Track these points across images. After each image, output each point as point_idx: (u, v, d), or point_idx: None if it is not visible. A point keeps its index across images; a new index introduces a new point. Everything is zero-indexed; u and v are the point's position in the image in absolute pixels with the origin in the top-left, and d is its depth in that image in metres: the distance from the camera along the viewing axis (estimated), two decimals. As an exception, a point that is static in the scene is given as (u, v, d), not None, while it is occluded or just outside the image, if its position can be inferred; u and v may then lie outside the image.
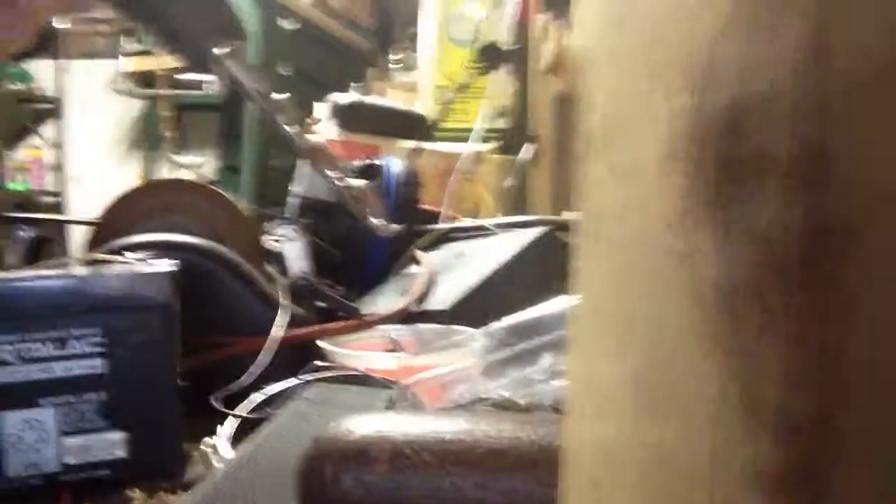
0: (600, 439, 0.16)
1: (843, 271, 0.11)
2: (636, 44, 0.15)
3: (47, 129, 3.82)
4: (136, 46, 3.15)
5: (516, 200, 1.38)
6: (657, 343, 0.14)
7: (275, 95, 0.60)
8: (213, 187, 0.84)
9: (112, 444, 0.52)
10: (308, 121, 1.51)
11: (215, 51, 0.56)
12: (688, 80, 0.13)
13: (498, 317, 0.60)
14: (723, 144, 0.13)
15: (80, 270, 0.57)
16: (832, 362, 0.11)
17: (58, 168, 3.89)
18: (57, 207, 3.83)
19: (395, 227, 0.65)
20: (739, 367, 0.12)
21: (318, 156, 0.62)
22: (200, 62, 0.57)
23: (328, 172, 0.63)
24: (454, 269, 0.86)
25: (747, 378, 0.12)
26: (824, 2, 0.11)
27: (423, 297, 0.79)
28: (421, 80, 1.79)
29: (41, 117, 3.83)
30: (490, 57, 1.38)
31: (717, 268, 0.13)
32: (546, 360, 0.51)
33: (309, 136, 0.63)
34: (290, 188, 0.99)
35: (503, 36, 1.48)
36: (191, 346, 0.59)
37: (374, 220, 0.64)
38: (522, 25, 1.48)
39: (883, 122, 0.10)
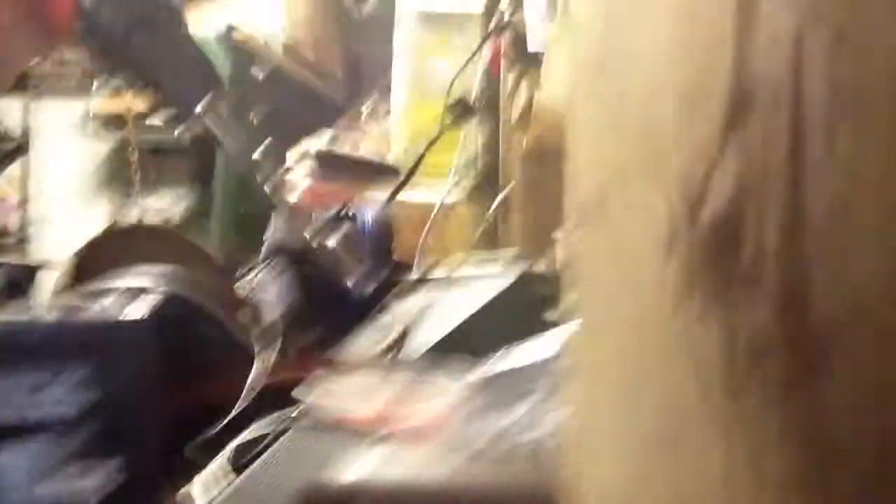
0: (609, 487, 0.18)
1: (820, 381, 0.13)
2: (635, 144, 0.16)
3: (13, 170, 3.77)
4: (107, 87, 3.14)
5: (487, 251, 1.40)
6: (667, 414, 0.15)
7: (255, 155, 0.60)
8: (181, 234, 0.84)
9: (87, 490, 0.51)
10: (280, 169, 1.52)
11: (198, 108, 0.57)
12: (685, 189, 0.15)
13: (471, 366, 0.61)
14: (716, 253, 0.15)
15: (55, 315, 0.57)
16: (809, 441, 0.13)
17: (23, 208, 3.83)
18: (22, 248, 3.76)
19: (370, 285, 0.66)
20: (742, 442, 0.14)
21: (293, 212, 0.63)
22: (182, 119, 0.57)
23: (307, 230, 0.64)
24: (427, 319, 0.87)
25: (750, 453, 0.14)
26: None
27: (398, 346, 0.79)
28: (393, 130, 1.81)
29: (7, 157, 3.78)
30: (460, 112, 1.41)
31: (718, 356, 0.15)
32: (521, 409, 0.52)
33: (285, 194, 0.64)
34: (264, 235, 1.00)
35: (475, 88, 1.51)
36: (168, 393, 0.59)
37: (349, 279, 0.64)
38: (494, 80, 1.51)
39: (855, 248, 0.12)
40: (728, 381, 0.14)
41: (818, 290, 0.13)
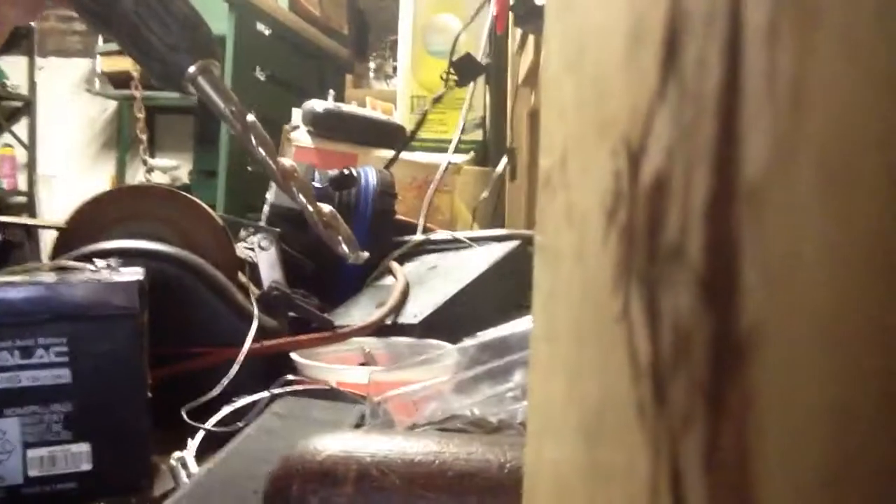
0: (556, 462, 0.16)
1: (747, 377, 0.11)
2: (589, 91, 0.14)
3: (19, 128, 3.77)
4: (111, 46, 3.11)
5: (492, 213, 1.38)
6: (602, 409, 0.14)
7: (249, 118, 0.59)
8: (185, 194, 0.83)
9: (78, 456, 0.51)
10: (285, 128, 1.50)
11: (190, 70, 0.55)
12: (628, 139, 0.13)
13: (470, 331, 0.60)
14: (651, 222, 0.13)
15: (47, 277, 0.56)
16: (738, 463, 0.11)
17: (29, 167, 3.83)
18: (27, 208, 3.77)
19: (364, 254, 0.65)
20: (666, 453, 0.12)
21: (290, 180, 0.62)
22: (173, 80, 0.56)
23: (301, 197, 0.62)
24: (427, 282, 0.86)
25: (672, 458, 0.12)
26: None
27: (397, 310, 0.79)
28: (399, 89, 1.79)
29: (13, 115, 3.77)
30: (466, 69, 1.38)
31: (646, 341, 0.13)
32: (518, 377, 0.51)
33: (282, 160, 0.62)
34: (265, 197, 0.99)
35: (481, 48, 1.48)
36: (160, 357, 0.59)
37: (344, 248, 0.63)
38: (500, 38, 1.49)
39: (785, 228, 0.10)
40: (655, 382, 0.13)
41: (748, 265, 0.11)
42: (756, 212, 0.11)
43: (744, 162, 0.11)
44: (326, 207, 0.64)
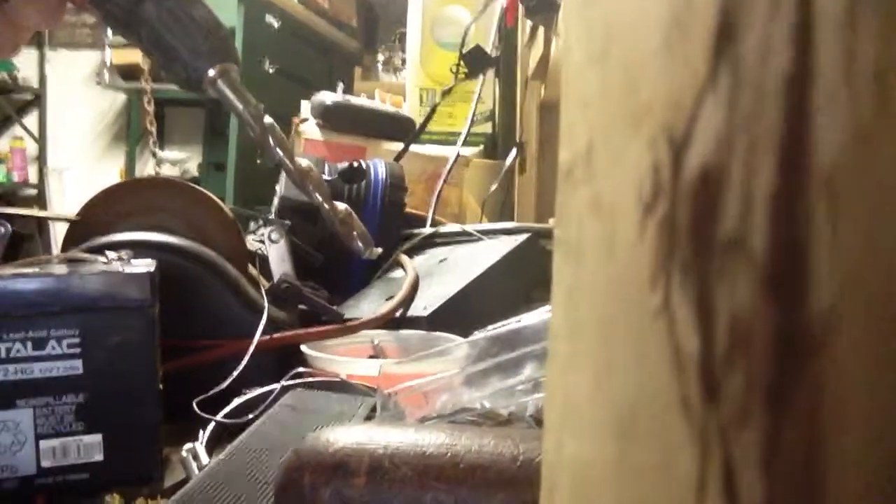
0: (579, 458, 0.16)
1: (817, 372, 0.11)
2: (618, 81, 0.14)
3: (29, 120, 3.78)
4: (120, 38, 3.12)
5: (501, 206, 1.38)
6: (639, 403, 0.14)
7: (267, 120, 0.59)
8: (195, 186, 0.83)
9: (90, 447, 0.51)
10: (294, 120, 1.50)
11: (210, 73, 0.55)
12: (670, 129, 0.13)
13: (480, 324, 0.60)
14: (699, 214, 0.13)
15: (59, 270, 0.56)
16: (804, 459, 0.11)
17: (39, 160, 3.85)
18: (38, 200, 3.79)
19: (378, 250, 0.65)
20: (717, 449, 0.12)
21: (307, 179, 0.62)
22: (194, 84, 0.56)
23: (317, 196, 0.63)
24: (437, 275, 0.86)
25: (724, 454, 0.12)
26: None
27: (406, 303, 0.78)
28: (408, 81, 1.78)
29: (23, 108, 3.79)
30: (475, 61, 1.38)
31: (693, 336, 0.13)
32: (529, 370, 0.51)
33: (299, 160, 0.62)
34: (275, 189, 0.99)
35: (490, 40, 1.48)
36: (172, 349, 0.59)
37: (360, 244, 0.64)
38: (510, 30, 1.48)
39: (862, 217, 0.10)
40: (705, 377, 0.12)
41: (820, 256, 0.11)
42: (830, 201, 0.11)
43: (816, 150, 0.11)
44: (342, 205, 0.64)
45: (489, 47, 1.45)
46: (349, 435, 0.36)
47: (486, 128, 1.60)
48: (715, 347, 0.12)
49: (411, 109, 1.72)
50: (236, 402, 0.59)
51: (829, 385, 0.10)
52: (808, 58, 0.11)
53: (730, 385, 0.12)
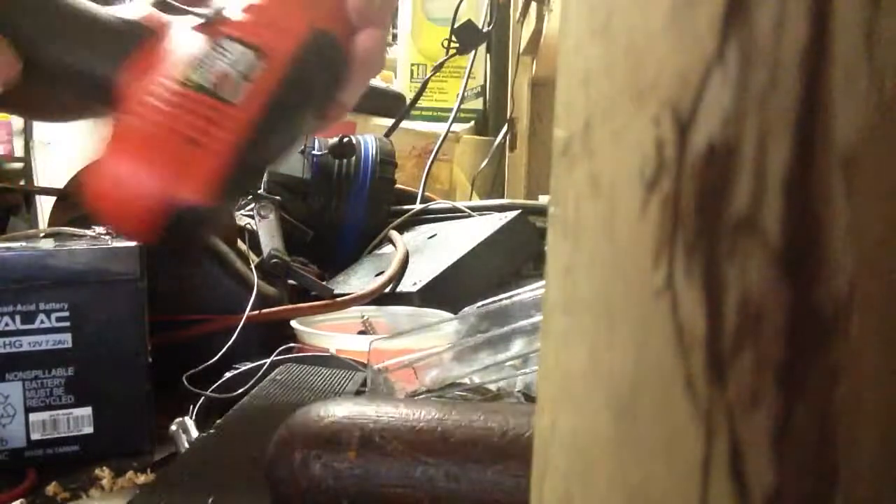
0: (575, 435, 0.16)
1: (832, 352, 0.10)
2: (621, 56, 0.14)
3: (14, 93, 3.74)
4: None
5: (492, 182, 1.38)
6: (639, 383, 0.14)
7: None
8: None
9: (80, 420, 0.51)
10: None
11: None
12: (675, 106, 0.13)
13: (469, 300, 0.60)
14: (706, 192, 0.12)
15: (47, 244, 0.56)
16: (816, 442, 0.11)
17: (25, 133, 3.81)
18: (24, 174, 3.75)
19: (370, 216, 0.64)
20: (724, 431, 0.12)
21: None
22: None
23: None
24: (426, 251, 0.86)
25: (731, 435, 0.12)
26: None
27: (396, 279, 0.79)
28: (399, 57, 1.77)
29: (8, 80, 3.74)
30: (467, 37, 1.37)
31: (698, 315, 0.13)
32: (518, 345, 0.52)
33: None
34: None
35: (482, 15, 1.47)
36: (161, 324, 0.59)
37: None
38: (502, 6, 1.47)
39: (881, 196, 0.10)
40: (711, 357, 0.12)
41: (836, 235, 0.11)
42: (848, 180, 0.10)
43: (833, 128, 0.11)
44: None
45: (481, 22, 1.44)
46: (340, 409, 0.36)
47: (478, 104, 1.60)
48: (723, 327, 0.12)
49: (402, 85, 1.71)
50: (226, 376, 0.59)
51: (843, 367, 0.10)
52: (825, 31, 0.11)
53: (738, 365, 0.12)
